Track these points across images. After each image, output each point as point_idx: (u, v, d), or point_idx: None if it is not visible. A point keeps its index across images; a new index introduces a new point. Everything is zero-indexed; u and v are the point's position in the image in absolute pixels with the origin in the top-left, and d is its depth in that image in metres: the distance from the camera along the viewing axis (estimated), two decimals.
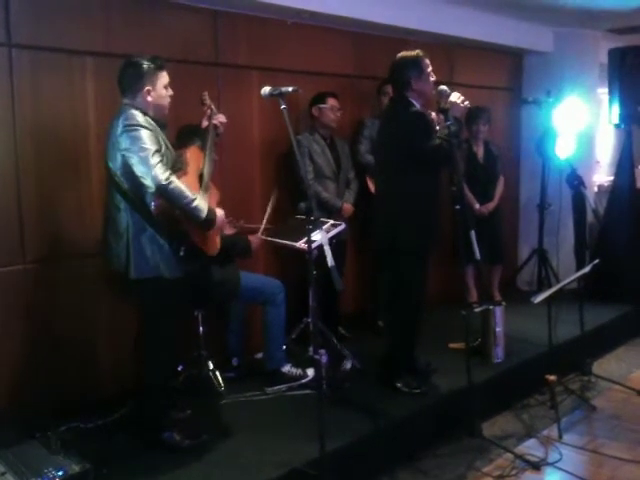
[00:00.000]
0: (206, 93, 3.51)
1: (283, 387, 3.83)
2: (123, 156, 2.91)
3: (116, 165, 2.95)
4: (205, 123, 3.47)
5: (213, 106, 3.49)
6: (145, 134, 2.89)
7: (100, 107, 3.59)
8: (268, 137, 4.51)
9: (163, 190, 2.87)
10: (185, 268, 3.08)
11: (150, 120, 2.99)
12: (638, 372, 4.85)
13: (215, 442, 3.20)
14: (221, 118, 3.49)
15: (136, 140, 2.88)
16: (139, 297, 3.21)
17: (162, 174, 2.85)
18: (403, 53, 3.76)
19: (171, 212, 2.99)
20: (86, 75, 3.59)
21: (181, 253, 3.04)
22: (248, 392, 3.77)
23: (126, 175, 2.93)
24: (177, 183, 2.90)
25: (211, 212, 3.06)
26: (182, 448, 3.12)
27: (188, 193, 2.94)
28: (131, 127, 2.89)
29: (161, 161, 2.89)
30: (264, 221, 4.01)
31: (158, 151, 2.90)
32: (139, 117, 2.93)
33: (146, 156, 2.85)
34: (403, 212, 3.68)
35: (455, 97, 3.61)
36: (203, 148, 3.36)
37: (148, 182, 2.88)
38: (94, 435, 3.30)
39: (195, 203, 2.96)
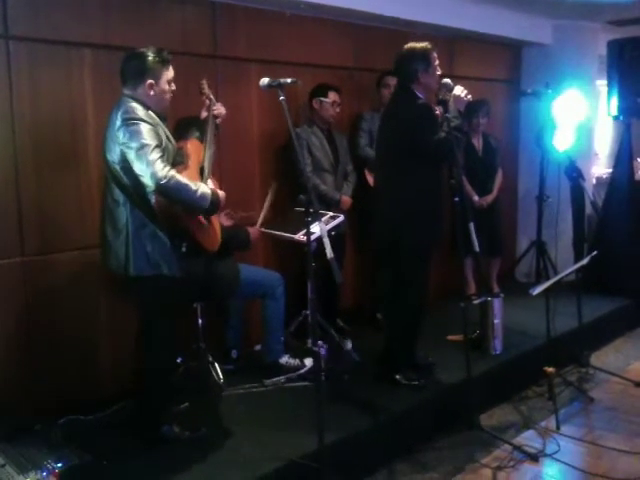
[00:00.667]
0: (204, 81, 3.42)
1: (282, 379, 3.84)
2: (122, 149, 2.83)
3: (115, 158, 2.87)
4: (204, 114, 3.40)
5: (212, 95, 3.41)
6: (145, 128, 2.81)
7: (98, 99, 3.57)
8: (267, 130, 4.49)
9: (164, 188, 2.77)
10: (185, 267, 3.03)
11: (152, 114, 2.92)
12: (636, 364, 4.87)
13: (214, 434, 3.20)
14: (220, 108, 3.41)
15: (135, 134, 2.79)
16: (138, 295, 3.13)
17: (161, 171, 2.74)
18: (411, 44, 3.66)
19: (171, 208, 2.92)
20: (84, 67, 3.57)
21: (183, 249, 2.98)
22: (247, 384, 3.78)
23: (125, 169, 2.86)
24: (177, 178, 2.80)
25: (214, 195, 2.99)
26: (182, 440, 3.11)
27: (191, 184, 2.86)
28: (130, 121, 2.81)
29: (161, 157, 2.79)
30: (263, 213, 4.00)
31: (158, 146, 2.81)
32: (139, 111, 2.85)
33: (145, 153, 2.75)
34: (406, 212, 3.64)
35: (459, 90, 3.59)
36: (202, 140, 3.31)
37: (147, 180, 2.78)
38: (94, 428, 3.31)
39: (200, 192, 2.89)
